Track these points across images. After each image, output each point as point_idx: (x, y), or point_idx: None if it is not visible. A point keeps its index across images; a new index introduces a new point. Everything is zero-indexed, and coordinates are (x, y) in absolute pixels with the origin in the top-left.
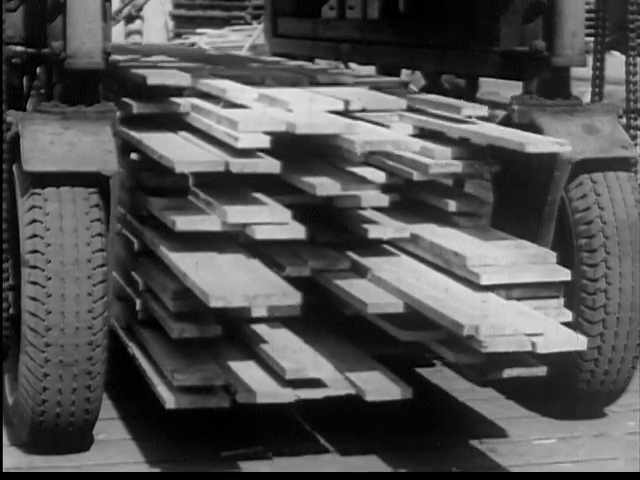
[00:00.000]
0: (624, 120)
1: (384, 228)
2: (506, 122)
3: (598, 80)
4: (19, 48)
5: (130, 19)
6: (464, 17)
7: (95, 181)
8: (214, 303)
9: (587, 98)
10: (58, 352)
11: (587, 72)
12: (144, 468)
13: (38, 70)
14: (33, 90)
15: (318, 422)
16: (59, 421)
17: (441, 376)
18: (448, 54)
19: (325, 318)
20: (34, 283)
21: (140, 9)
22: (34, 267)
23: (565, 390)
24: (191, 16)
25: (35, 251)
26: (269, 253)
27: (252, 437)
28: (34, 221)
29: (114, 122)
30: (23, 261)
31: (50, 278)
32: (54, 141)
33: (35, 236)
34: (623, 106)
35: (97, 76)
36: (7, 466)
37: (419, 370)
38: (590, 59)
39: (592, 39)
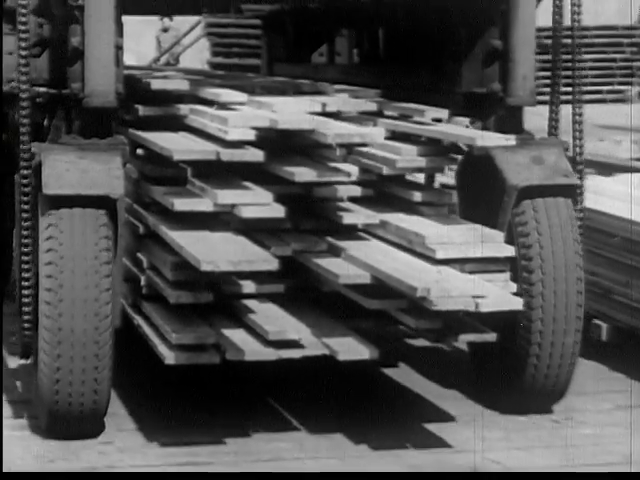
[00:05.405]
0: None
1: (357, 215)
2: (468, 155)
3: (554, 117)
4: (42, 89)
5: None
6: (433, 62)
7: (104, 203)
8: (204, 267)
9: (624, 146)
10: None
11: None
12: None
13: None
14: (52, 126)
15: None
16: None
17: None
18: (418, 94)
19: (306, 297)
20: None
21: (178, 57)
22: (49, 276)
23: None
24: (228, 64)
25: (50, 262)
26: (257, 237)
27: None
28: (50, 237)
29: (124, 153)
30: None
31: (62, 271)
32: (70, 168)
33: (51, 250)
34: None
35: (110, 113)
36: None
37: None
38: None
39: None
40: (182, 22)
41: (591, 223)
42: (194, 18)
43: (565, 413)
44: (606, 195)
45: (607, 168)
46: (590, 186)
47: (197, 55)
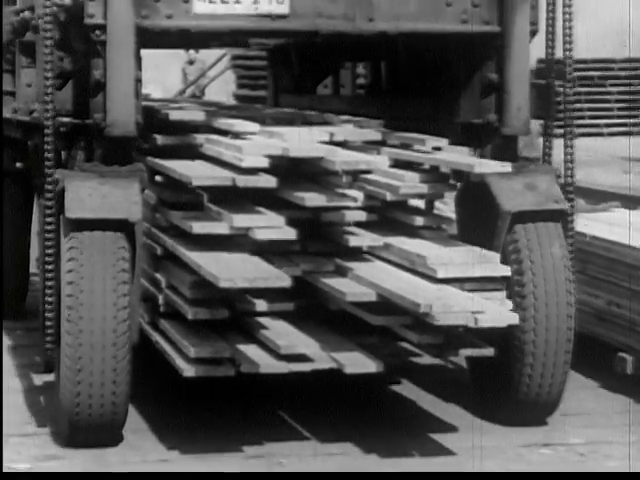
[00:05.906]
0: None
1: (362, 238)
2: (466, 181)
3: (548, 145)
4: (65, 119)
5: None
6: (432, 94)
7: (122, 226)
8: (223, 284)
9: None
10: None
11: None
12: None
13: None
14: (71, 154)
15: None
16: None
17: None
18: (419, 125)
19: (315, 315)
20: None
21: (204, 89)
22: (70, 295)
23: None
24: (254, 96)
25: (71, 280)
26: (269, 258)
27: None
28: (71, 258)
29: (143, 179)
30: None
31: (82, 290)
32: (91, 193)
33: (72, 269)
34: None
35: (130, 142)
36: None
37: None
38: None
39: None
40: (208, 54)
41: (615, 255)
42: (220, 50)
43: (591, 446)
44: (630, 227)
45: (631, 200)
46: (614, 218)
47: (223, 87)
